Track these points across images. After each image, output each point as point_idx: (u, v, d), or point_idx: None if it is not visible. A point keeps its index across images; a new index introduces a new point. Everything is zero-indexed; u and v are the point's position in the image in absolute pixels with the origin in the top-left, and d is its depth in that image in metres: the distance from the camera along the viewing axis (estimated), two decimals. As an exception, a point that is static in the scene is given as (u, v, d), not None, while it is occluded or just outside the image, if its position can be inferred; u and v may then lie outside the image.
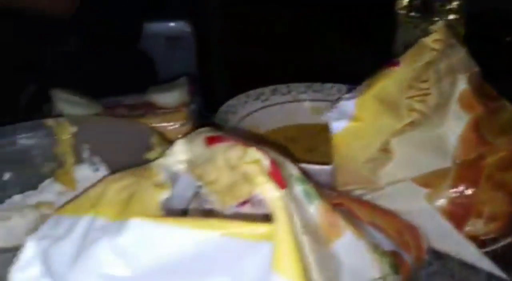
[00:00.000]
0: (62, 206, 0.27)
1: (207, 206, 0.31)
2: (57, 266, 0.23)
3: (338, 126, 0.32)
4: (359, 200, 0.36)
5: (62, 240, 0.24)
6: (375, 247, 0.31)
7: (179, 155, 0.32)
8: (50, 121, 0.44)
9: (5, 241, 0.38)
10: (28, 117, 0.57)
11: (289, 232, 0.21)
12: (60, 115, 0.55)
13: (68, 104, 0.54)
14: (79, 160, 0.45)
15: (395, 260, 0.32)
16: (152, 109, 0.58)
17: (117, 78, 0.71)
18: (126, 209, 0.24)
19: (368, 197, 0.37)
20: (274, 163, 0.25)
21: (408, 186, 0.37)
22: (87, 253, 0.23)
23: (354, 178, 0.35)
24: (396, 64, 0.33)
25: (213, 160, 0.27)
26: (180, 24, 1.26)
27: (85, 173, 0.45)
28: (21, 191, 0.44)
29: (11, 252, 0.24)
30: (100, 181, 0.28)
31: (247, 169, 0.24)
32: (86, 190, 0.27)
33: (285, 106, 0.58)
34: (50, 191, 0.43)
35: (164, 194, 0.27)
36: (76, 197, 0.27)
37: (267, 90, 0.58)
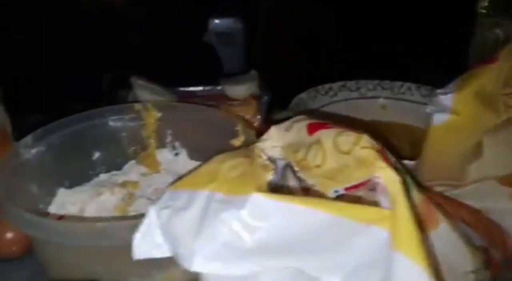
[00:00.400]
0: (176, 181, 0.28)
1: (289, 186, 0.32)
2: (180, 234, 0.25)
3: (439, 118, 0.33)
4: (445, 196, 0.36)
5: (183, 211, 0.26)
6: (468, 241, 0.31)
7: (274, 140, 0.33)
8: (138, 106, 0.46)
9: (97, 213, 0.41)
10: (109, 103, 0.60)
11: (410, 214, 0.22)
12: (137, 101, 0.58)
13: (146, 91, 0.57)
14: (161, 144, 0.47)
15: (485, 256, 0.32)
16: (224, 100, 0.59)
17: (186, 69, 0.73)
18: (242, 186, 0.26)
19: (451, 193, 0.37)
20: (383, 150, 0.26)
21: (493, 185, 0.37)
22: (210, 224, 0.24)
23: (441, 174, 0.35)
24: (493, 61, 0.33)
25: (318, 145, 0.28)
26: (231, 20, 1.28)
27: (166, 157, 0.47)
28: (107, 170, 0.46)
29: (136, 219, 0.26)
30: (210, 160, 0.29)
31: (362, 154, 0.25)
32: (197, 168, 0.29)
33: (353, 103, 0.59)
34: (134, 172, 0.46)
35: (270, 175, 0.28)
36: (189, 174, 0.29)
37: (335, 85, 0.59)
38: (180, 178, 0.29)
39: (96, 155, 0.45)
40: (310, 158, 0.29)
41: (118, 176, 0.46)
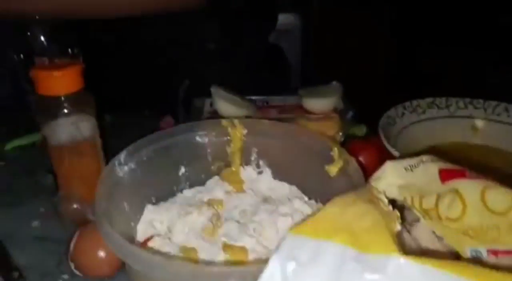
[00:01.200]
0: (299, 226, 0.26)
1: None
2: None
3: None
4: None
5: (311, 266, 0.24)
6: None
7: (390, 178, 0.31)
8: (225, 122, 0.45)
9: (185, 233, 0.39)
10: (186, 110, 0.59)
11: None
12: (216, 111, 0.57)
13: (226, 101, 0.56)
14: (245, 162, 0.46)
15: None
16: (302, 112, 0.57)
17: (258, 74, 0.71)
18: (377, 241, 0.23)
19: None
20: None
21: None
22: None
23: None
24: None
25: (455, 196, 0.26)
26: (288, 16, 1.26)
27: (250, 175, 0.46)
28: (190, 186, 0.45)
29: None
30: (329, 204, 0.27)
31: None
32: (318, 211, 0.27)
33: (441, 121, 0.55)
34: (218, 189, 0.44)
35: (397, 225, 0.26)
36: (311, 218, 0.27)
37: (423, 102, 0.55)
38: (302, 221, 0.27)
39: (182, 170, 0.44)
40: (442, 208, 0.26)
41: (203, 194, 0.44)
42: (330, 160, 0.40)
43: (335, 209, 0.26)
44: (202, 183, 0.46)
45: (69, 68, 0.39)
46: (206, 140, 0.45)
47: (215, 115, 0.57)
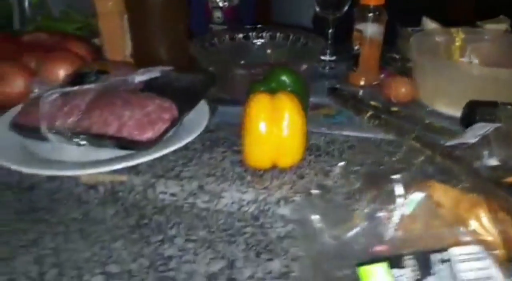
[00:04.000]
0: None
1: None
2: None
3: None
4: None
5: None
6: None
7: None
8: (453, 29, 0.74)
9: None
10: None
11: None
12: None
13: (432, 25, 0.85)
14: (461, 55, 0.75)
15: None
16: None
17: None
18: None
19: None
20: None
21: None
22: None
23: None
24: None
25: None
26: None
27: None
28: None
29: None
30: None
31: None
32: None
33: None
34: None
35: None
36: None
37: None
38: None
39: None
40: None
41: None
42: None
43: None
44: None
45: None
46: (441, 39, 0.74)
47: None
